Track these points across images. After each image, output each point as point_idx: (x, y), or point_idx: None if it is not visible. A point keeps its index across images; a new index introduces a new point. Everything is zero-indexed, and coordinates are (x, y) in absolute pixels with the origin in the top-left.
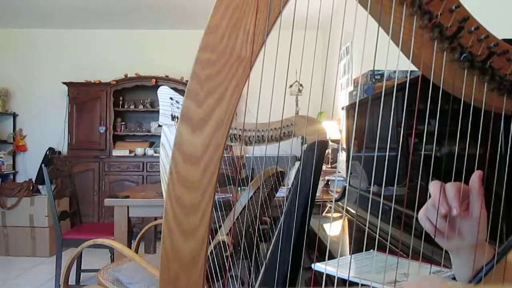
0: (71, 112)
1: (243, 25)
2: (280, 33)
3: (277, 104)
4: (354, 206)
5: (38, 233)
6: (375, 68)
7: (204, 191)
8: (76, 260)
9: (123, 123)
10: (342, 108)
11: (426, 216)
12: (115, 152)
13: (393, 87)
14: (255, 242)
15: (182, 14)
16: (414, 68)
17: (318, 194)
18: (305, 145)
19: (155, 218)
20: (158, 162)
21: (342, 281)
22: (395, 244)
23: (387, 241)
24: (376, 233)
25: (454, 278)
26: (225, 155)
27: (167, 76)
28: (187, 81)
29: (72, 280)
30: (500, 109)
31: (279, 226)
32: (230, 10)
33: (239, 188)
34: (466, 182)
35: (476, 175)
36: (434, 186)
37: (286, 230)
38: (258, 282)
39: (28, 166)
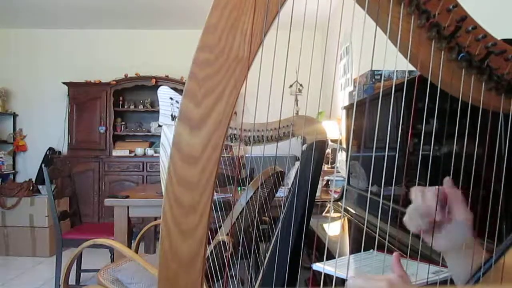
0: (71, 112)
1: (240, 25)
2: (278, 33)
3: (276, 104)
4: (354, 206)
5: (38, 233)
6: (375, 68)
7: (202, 191)
8: (76, 260)
9: (123, 123)
10: (342, 108)
11: (410, 221)
12: (115, 152)
13: (392, 87)
14: (254, 242)
15: (182, 14)
16: (413, 68)
17: (317, 194)
18: (305, 145)
19: (155, 218)
20: (158, 162)
21: (342, 281)
22: (394, 244)
23: (386, 240)
24: (375, 233)
25: (452, 279)
26: (224, 155)
27: (167, 76)
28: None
29: (72, 280)
30: (498, 108)
31: (278, 226)
32: (227, 10)
33: (239, 188)
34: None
35: (446, 183)
36: (415, 192)
37: (286, 230)
38: (257, 281)
39: (28, 166)
